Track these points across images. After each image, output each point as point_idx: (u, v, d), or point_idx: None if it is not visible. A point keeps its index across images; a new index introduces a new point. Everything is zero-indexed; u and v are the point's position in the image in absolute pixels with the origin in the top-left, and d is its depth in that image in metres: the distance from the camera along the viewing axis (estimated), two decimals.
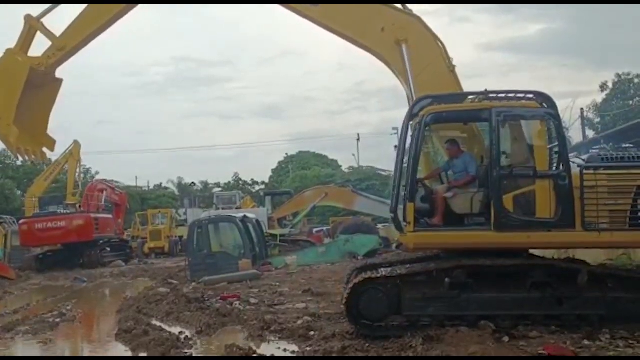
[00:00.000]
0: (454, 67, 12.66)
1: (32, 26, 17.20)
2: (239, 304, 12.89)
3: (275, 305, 12.80)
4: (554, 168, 9.06)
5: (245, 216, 22.24)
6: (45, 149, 19.44)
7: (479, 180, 9.49)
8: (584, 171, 8.78)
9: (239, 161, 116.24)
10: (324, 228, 39.05)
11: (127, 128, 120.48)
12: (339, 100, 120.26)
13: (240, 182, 79.42)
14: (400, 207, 9.22)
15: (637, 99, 48.57)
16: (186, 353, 8.85)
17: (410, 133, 9.45)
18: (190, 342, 9.69)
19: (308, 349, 8.69)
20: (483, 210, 9.10)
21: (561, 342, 7.92)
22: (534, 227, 8.77)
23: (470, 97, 9.90)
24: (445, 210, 9.29)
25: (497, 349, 7.73)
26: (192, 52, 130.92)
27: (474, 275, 8.73)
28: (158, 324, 11.57)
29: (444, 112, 9.47)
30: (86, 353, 10.45)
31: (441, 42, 12.84)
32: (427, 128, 9.29)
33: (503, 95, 9.41)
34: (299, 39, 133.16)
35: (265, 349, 8.70)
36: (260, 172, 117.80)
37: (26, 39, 17.37)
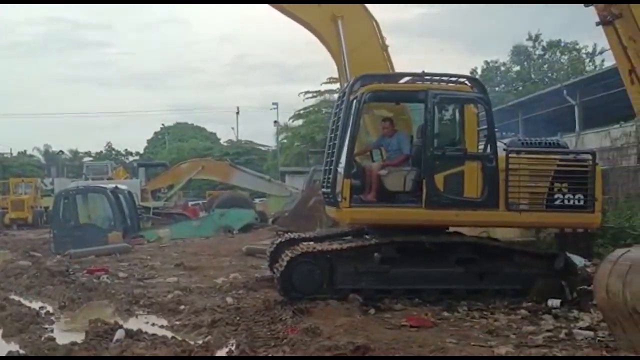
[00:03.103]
0: (386, 46, 12.85)
1: None
2: (107, 278, 12.50)
3: (145, 279, 12.56)
4: (482, 150, 9.48)
5: (116, 187, 21.60)
6: None
7: (412, 159, 9.77)
8: (510, 154, 9.28)
9: (113, 130, 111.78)
10: (200, 201, 38.51)
11: None
12: (221, 73, 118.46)
13: (113, 152, 76.49)
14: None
15: (503, 85, 51.58)
16: (47, 328, 8.47)
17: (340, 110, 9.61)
18: (52, 318, 9.30)
19: (177, 322, 8.62)
20: (415, 188, 9.39)
21: (423, 313, 8.33)
22: (462, 205, 9.19)
23: (406, 77, 10.15)
24: (379, 188, 9.51)
25: (364, 320, 8.01)
26: (66, 13, 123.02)
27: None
28: (17, 298, 10.95)
29: (382, 90, 9.72)
30: None
31: (375, 21, 12.96)
32: (365, 105, 9.48)
33: (438, 77, 9.77)
34: (180, 6, 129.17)
35: (132, 324, 8.48)
36: (135, 142, 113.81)
37: None
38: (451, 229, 9.90)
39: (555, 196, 9.37)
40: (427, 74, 9.77)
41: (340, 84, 13.55)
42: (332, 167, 9.63)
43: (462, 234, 9.81)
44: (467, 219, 9.42)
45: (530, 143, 9.95)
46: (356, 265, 9.12)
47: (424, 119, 9.45)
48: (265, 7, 13.86)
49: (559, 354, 6.51)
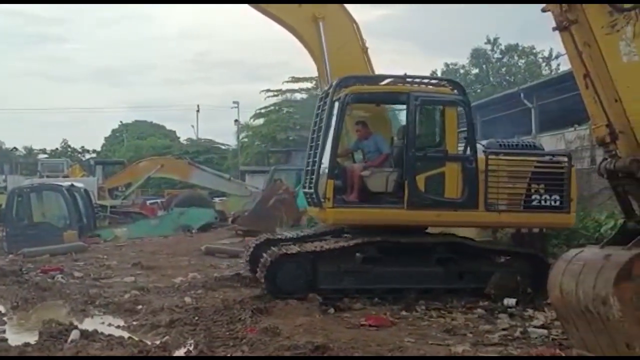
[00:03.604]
0: (366, 48, 12.89)
1: None
2: (62, 278, 12.22)
3: (101, 278, 12.34)
4: (462, 152, 9.56)
5: (72, 185, 21.20)
6: None
7: (393, 160, 9.82)
8: (489, 156, 9.41)
9: (70, 127, 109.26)
10: (159, 200, 38.03)
11: None
12: (182, 70, 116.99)
13: (69, 150, 74.96)
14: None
15: None
16: None
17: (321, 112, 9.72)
18: (4, 318, 9.05)
19: (134, 323, 8.48)
20: (397, 189, 9.45)
21: (381, 313, 8.38)
22: (443, 206, 9.30)
23: (388, 79, 10.24)
24: (361, 188, 9.54)
25: (323, 320, 8.04)
26: (18, 6, 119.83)
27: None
28: None
29: (365, 92, 9.83)
30: None
31: (356, 23, 12.97)
32: (347, 107, 9.54)
33: (419, 79, 9.96)
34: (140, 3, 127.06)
35: (88, 324, 8.31)
36: (92, 140, 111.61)
37: None
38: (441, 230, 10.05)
39: (533, 197, 9.59)
40: (409, 76, 9.96)
41: (320, 85, 13.61)
42: (314, 168, 9.69)
43: (453, 235, 9.92)
44: (448, 220, 9.56)
45: (508, 145, 10.16)
46: (339, 265, 9.18)
47: (405, 120, 9.58)
48: (232, 5, 13.75)
49: (514, 352, 6.63)
